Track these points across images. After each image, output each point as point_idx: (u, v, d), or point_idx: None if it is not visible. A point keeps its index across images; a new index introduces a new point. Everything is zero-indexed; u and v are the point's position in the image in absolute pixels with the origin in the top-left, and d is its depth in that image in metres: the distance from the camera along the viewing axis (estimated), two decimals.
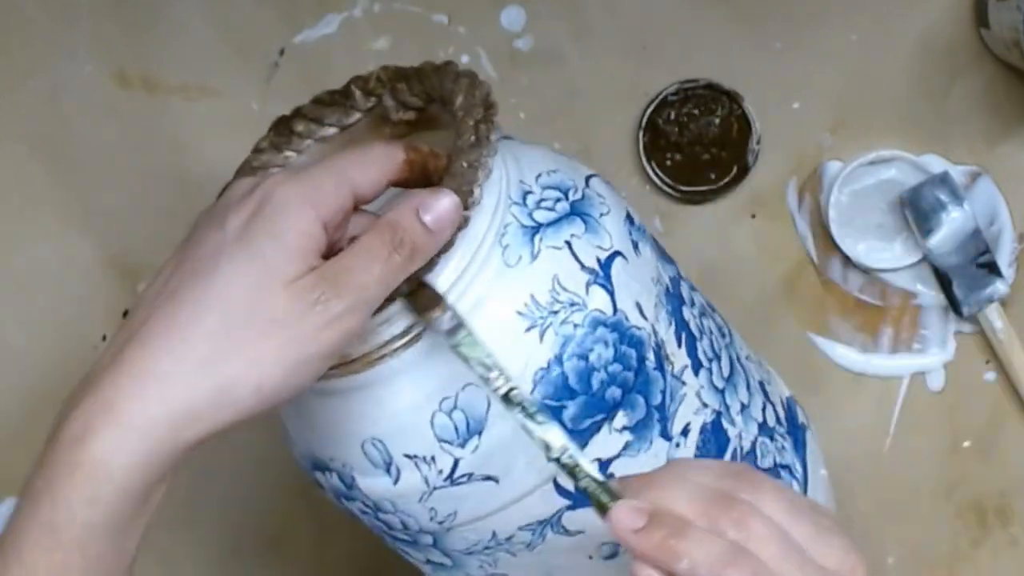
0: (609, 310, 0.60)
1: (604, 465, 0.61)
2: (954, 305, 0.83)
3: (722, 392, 0.67)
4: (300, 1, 0.84)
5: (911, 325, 0.84)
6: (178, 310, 0.51)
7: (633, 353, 0.61)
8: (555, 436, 0.54)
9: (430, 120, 0.64)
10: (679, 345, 0.64)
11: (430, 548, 0.64)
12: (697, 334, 0.66)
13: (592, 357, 0.60)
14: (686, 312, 0.66)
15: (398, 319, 0.57)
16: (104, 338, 0.84)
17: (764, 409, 0.71)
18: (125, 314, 0.55)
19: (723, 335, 0.70)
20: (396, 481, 0.60)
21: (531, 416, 0.55)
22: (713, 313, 0.71)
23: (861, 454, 0.84)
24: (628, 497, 0.51)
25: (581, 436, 0.60)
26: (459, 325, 0.56)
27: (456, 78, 0.60)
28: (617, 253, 0.62)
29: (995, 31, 0.80)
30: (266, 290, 0.51)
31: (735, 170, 0.83)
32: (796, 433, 0.75)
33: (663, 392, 0.62)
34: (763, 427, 0.70)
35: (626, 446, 0.62)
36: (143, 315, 0.52)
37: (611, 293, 0.61)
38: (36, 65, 0.84)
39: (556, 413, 0.59)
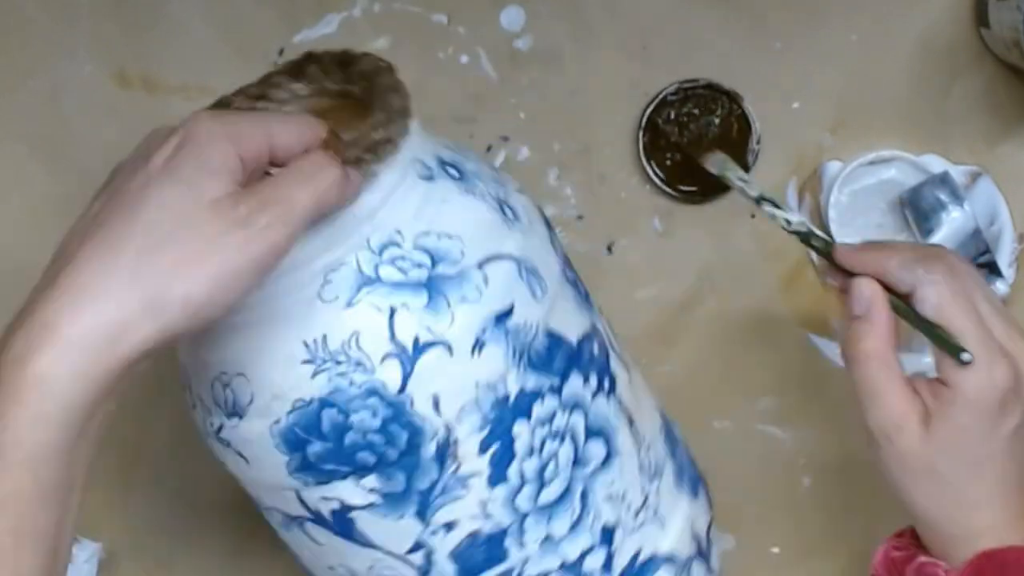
0: (395, 388, 0.59)
1: (344, 511, 0.62)
2: None
3: (524, 515, 0.64)
4: (300, 1, 0.84)
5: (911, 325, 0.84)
6: (108, 234, 0.53)
7: (405, 436, 0.60)
8: (795, 213, 0.69)
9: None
10: (481, 453, 0.62)
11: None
12: (523, 453, 0.63)
13: (354, 419, 0.59)
14: (521, 427, 0.63)
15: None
16: None
17: (587, 553, 0.66)
18: None
19: (580, 464, 0.65)
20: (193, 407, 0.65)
21: (778, 207, 0.69)
22: (589, 441, 0.66)
23: (861, 455, 0.84)
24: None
25: (317, 474, 0.61)
26: (726, 163, 0.74)
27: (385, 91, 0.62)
28: (442, 343, 0.60)
29: (995, 31, 0.80)
30: (190, 208, 0.53)
31: None
32: None
33: (434, 483, 0.62)
34: (569, 567, 0.66)
35: (370, 505, 0.62)
36: (76, 243, 0.53)
37: (407, 375, 0.59)
38: (36, 65, 0.84)
39: (300, 444, 0.60)
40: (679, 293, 0.84)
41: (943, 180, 0.82)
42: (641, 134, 0.83)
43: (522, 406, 0.62)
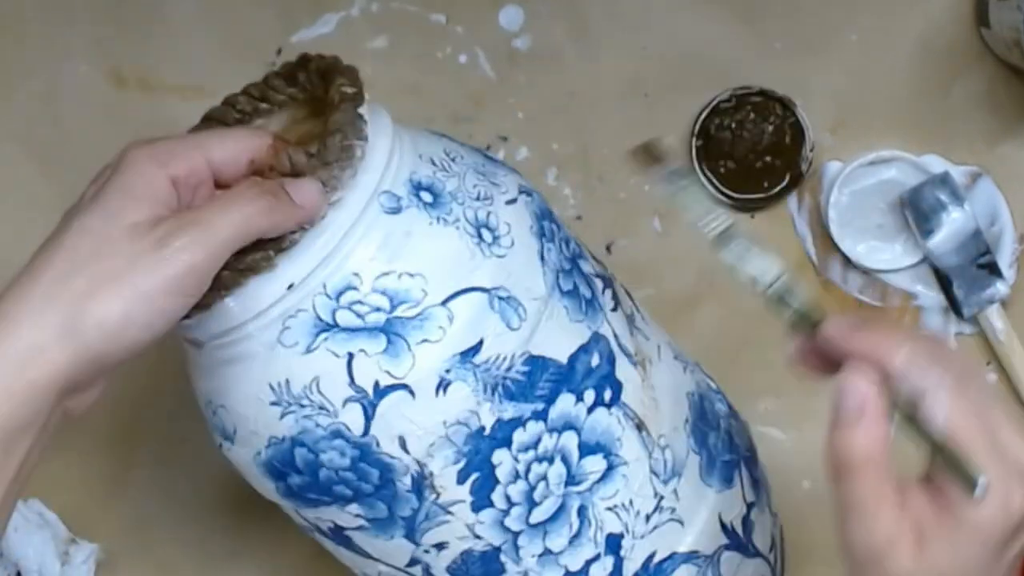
0: (359, 430, 0.59)
1: (339, 529, 0.63)
2: (954, 306, 0.83)
3: (516, 533, 0.63)
4: (297, 0, 0.83)
5: (911, 326, 0.84)
6: (33, 264, 0.53)
7: (376, 473, 0.60)
8: (772, 263, 0.57)
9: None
10: (460, 483, 0.61)
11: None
12: (507, 479, 0.62)
13: (324, 458, 0.59)
14: (501, 456, 0.62)
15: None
16: None
17: (592, 561, 0.65)
18: None
19: (574, 482, 0.64)
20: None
21: (749, 249, 0.57)
22: (584, 458, 0.64)
23: None
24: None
25: (304, 501, 0.61)
26: (682, 176, 0.58)
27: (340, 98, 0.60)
28: (404, 387, 0.59)
29: (996, 31, 0.80)
30: (110, 232, 0.53)
31: (788, 178, 0.83)
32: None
33: (415, 511, 0.61)
34: (573, 575, 0.65)
35: (360, 527, 0.62)
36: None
37: (369, 419, 0.59)
38: (32, 65, 0.84)
39: (282, 475, 0.61)
40: (679, 293, 0.84)
41: (943, 180, 0.81)
42: (694, 140, 0.82)
43: (500, 436, 0.61)
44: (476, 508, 0.62)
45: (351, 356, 0.58)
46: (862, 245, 0.83)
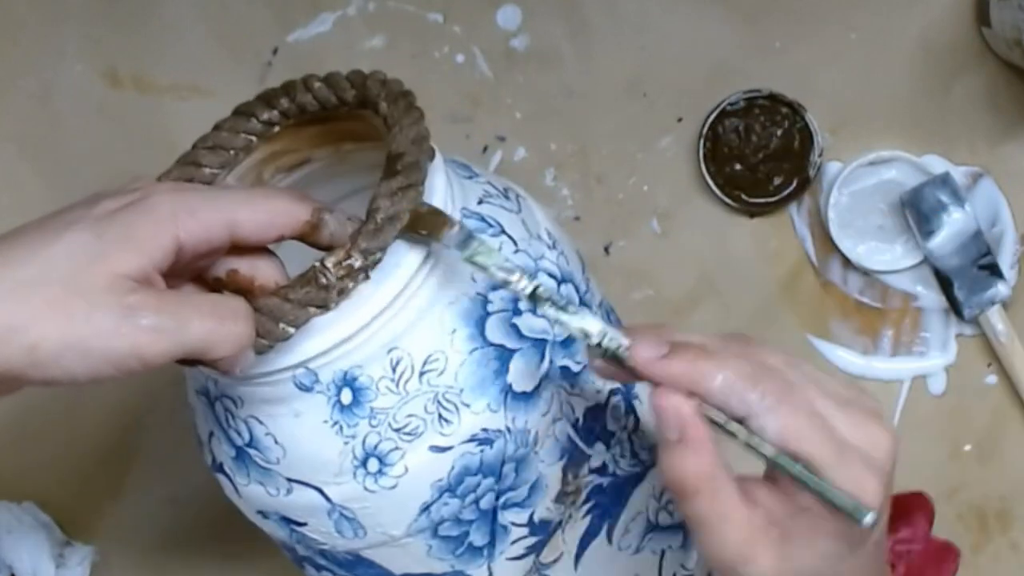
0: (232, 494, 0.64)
1: None
2: (955, 307, 0.82)
3: None
4: None
5: (912, 328, 0.83)
6: (13, 246, 0.51)
7: None
8: (592, 323, 0.52)
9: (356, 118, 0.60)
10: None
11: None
12: None
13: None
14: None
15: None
16: None
17: None
18: None
19: None
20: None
21: (563, 308, 0.53)
22: None
23: None
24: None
25: None
26: (470, 237, 0.54)
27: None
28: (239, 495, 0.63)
29: (997, 30, 0.80)
30: (92, 268, 0.51)
31: (795, 183, 0.82)
32: None
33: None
34: None
35: None
36: None
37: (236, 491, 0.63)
38: (26, 64, 0.84)
39: None
40: (677, 295, 0.84)
41: (944, 181, 0.81)
42: (702, 142, 0.82)
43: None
44: None
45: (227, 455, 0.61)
46: (862, 246, 0.83)
